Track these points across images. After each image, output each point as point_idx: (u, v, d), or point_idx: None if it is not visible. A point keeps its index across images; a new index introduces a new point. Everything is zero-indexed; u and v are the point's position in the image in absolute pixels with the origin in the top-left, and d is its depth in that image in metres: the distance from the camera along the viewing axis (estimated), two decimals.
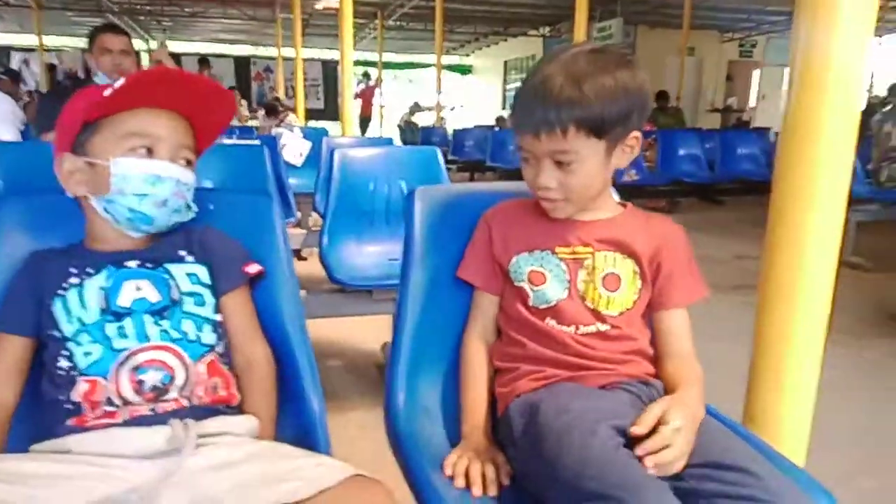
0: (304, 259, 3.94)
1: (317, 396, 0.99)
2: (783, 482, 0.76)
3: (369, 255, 2.24)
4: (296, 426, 1.00)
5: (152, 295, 0.93)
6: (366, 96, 12.31)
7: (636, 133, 0.94)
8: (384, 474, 0.91)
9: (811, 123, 0.94)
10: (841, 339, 2.73)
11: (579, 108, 0.87)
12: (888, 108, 3.05)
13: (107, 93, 0.90)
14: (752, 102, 13.33)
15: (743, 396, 1.09)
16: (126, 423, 0.85)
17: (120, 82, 0.92)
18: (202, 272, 0.98)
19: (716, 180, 6.30)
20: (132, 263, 0.95)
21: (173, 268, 0.96)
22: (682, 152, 6.24)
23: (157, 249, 0.98)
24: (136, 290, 0.93)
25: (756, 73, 13.40)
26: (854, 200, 4.28)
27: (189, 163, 0.97)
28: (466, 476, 0.87)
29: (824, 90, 0.92)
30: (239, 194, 1.13)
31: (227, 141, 2.95)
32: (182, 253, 0.98)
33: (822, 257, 0.98)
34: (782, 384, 1.00)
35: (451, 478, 0.88)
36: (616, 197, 1.09)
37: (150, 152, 0.93)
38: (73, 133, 0.94)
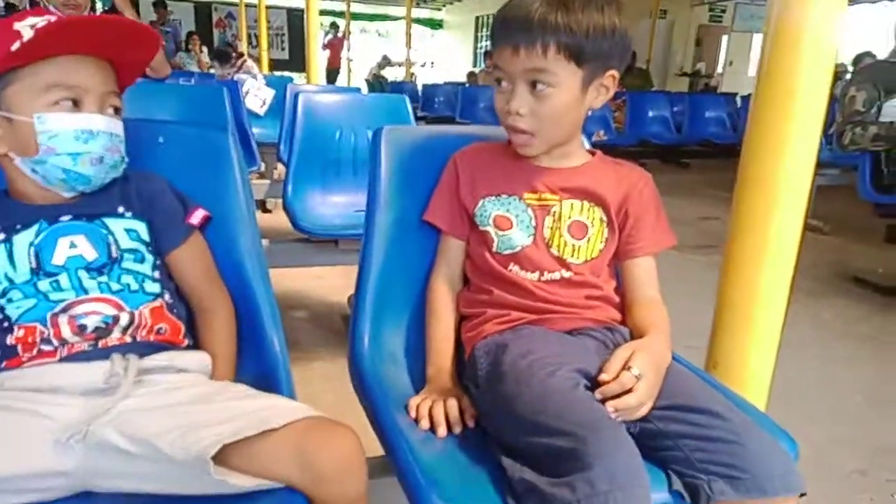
0: (269, 211, 3.85)
1: (278, 337, 0.96)
2: (748, 424, 0.77)
3: (335, 206, 2.18)
4: (257, 369, 0.97)
5: (89, 252, 0.87)
6: (334, 47, 11.94)
7: (613, 72, 0.92)
8: (348, 422, 0.89)
9: (784, 87, 0.94)
10: (799, 299, 2.78)
11: (564, 31, 0.85)
12: (852, 74, 3.09)
13: (14, 47, 0.79)
14: (719, 68, 13.40)
15: (704, 352, 1.10)
16: (63, 360, 0.81)
17: (37, 26, 0.81)
18: (141, 228, 0.92)
19: (683, 142, 6.39)
20: (66, 218, 0.88)
21: (111, 223, 0.90)
22: (651, 114, 6.29)
23: (93, 203, 0.90)
24: (71, 246, 0.86)
25: (724, 39, 13.44)
26: (815, 165, 4.40)
27: (117, 110, 0.89)
28: (431, 418, 0.86)
29: (798, 54, 0.92)
30: (192, 126, 1.06)
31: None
32: (120, 209, 0.91)
33: (793, 205, 0.98)
34: (747, 331, 1.01)
35: (416, 420, 0.87)
36: (587, 145, 1.07)
37: (75, 104, 0.84)
38: None
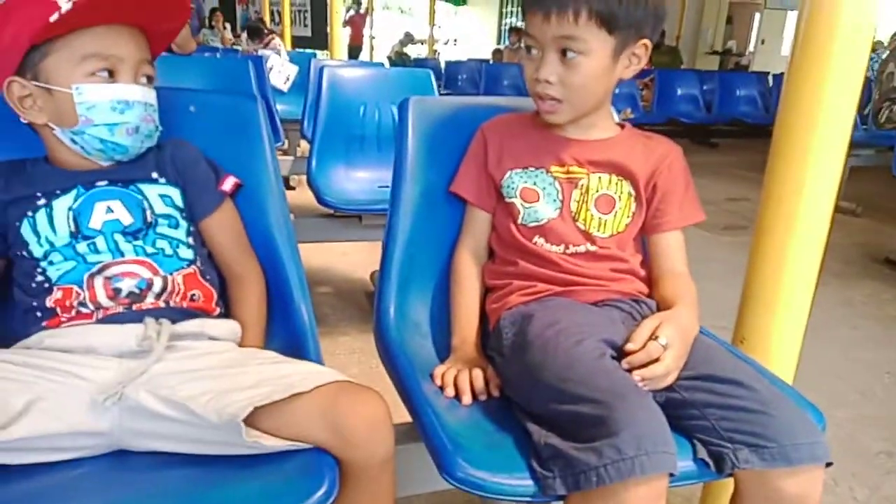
0: (293, 188, 3.88)
1: (306, 305, 0.97)
2: (775, 394, 0.76)
3: (359, 181, 2.19)
4: (286, 337, 0.98)
5: (125, 217, 0.89)
6: (355, 24, 11.86)
7: (646, 41, 0.91)
8: None
9: (818, 65, 0.91)
10: (829, 281, 2.75)
11: None
12: (890, 51, 2.98)
13: (53, 18, 0.79)
14: (751, 47, 13.05)
15: (731, 332, 1.09)
16: (99, 322, 0.83)
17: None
18: (175, 194, 0.94)
19: (712, 121, 6.25)
20: (102, 183, 0.89)
21: (146, 188, 0.92)
22: (679, 92, 6.17)
23: (128, 170, 0.92)
24: (108, 211, 0.88)
25: (757, 17, 13.07)
26: (848, 145, 4.29)
27: (150, 79, 0.90)
28: (456, 386, 0.87)
29: (834, 32, 0.90)
30: (221, 95, 1.07)
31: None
32: (154, 175, 0.93)
33: (825, 180, 0.96)
34: (776, 307, 1.00)
35: (441, 388, 0.88)
36: (616, 117, 1.05)
37: (111, 74, 0.85)
38: (17, 54, 0.84)
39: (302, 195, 2.74)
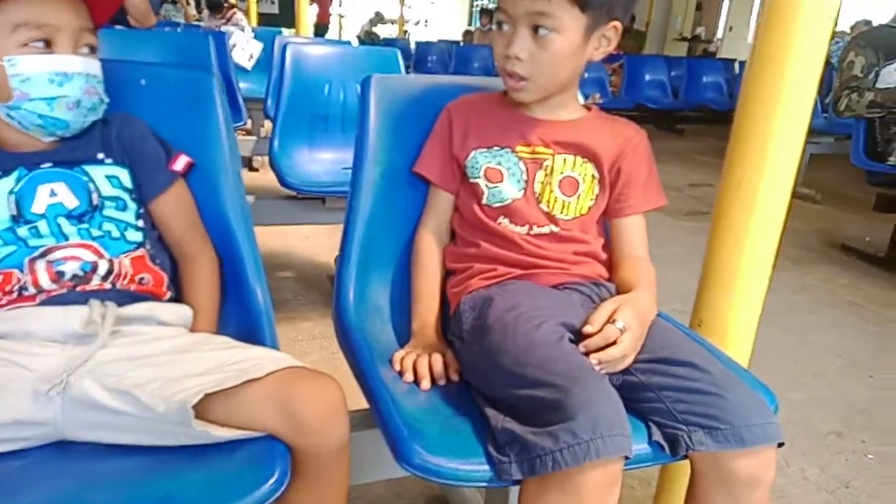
0: (256, 170, 3.80)
1: (261, 288, 0.95)
2: (729, 376, 0.77)
3: (323, 163, 2.14)
4: (240, 322, 0.96)
5: (69, 200, 0.85)
6: (322, 2, 11.64)
7: (616, 23, 0.90)
8: None
9: (779, 53, 0.92)
10: (786, 266, 2.82)
11: None
12: (851, 38, 3.04)
13: None
14: (719, 33, 13.21)
15: (689, 317, 1.10)
16: (42, 304, 0.80)
17: None
18: (123, 175, 0.90)
19: (679, 107, 6.32)
20: (46, 165, 0.85)
21: (92, 170, 0.87)
22: (647, 78, 6.21)
23: (73, 149, 0.87)
24: (52, 194, 0.84)
25: (725, 4, 13.22)
26: (808, 132, 4.39)
27: (92, 49, 0.85)
28: (415, 371, 0.86)
29: (795, 19, 0.90)
30: (174, 69, 1.02)
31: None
32: (100, 155, 0.89)
33: (784, 165, 0.97)
34: (733, 290, 1.01)
35: (401, 373, 0.86)
36: (581, 100, 1.05)
37: (48, 45, 0.80)
38: None
39: (265, 177, 2.69)
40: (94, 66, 0.85)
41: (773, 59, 0.93)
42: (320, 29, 11.47)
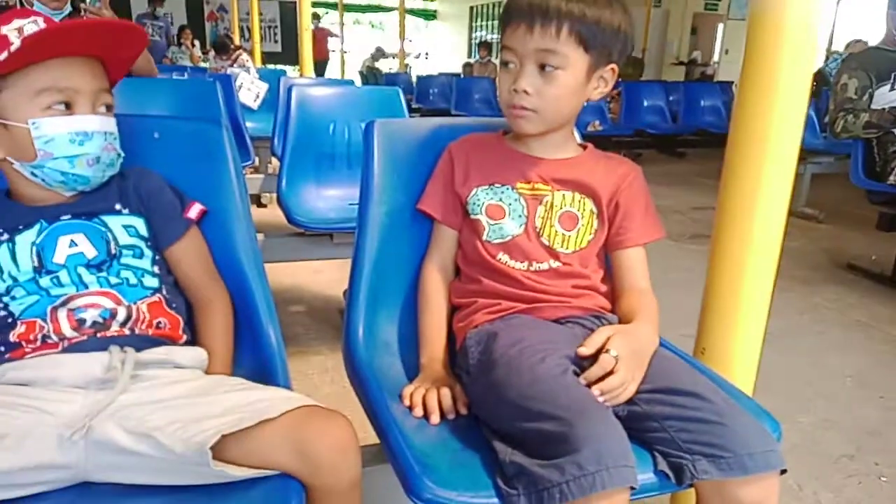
0: (264, 206, 3.86)
1: (274, 329, 0.97)
2: (733, 406, 0.79)
3: (329, 199, 2.19)
4: (254, 362, 0.98)
5: (89, 250, 0.89)
6: (316, 38, 11.84)
7: (613, 66, 0.96)
8: (345, 414, 0.89)
9: (767, 76, 0.95)
10: (794, 287, 2.83)
11: (578, 17, 0.89)
12: (844, 60, 3.09)
13: (2, 56, 0.80)
14: (716, 56, 13.37)
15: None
16: (65, 351, 0.83)
17: (24, 35, 0.82)
18: (139, 224, 0.94)
19: (678, 132, 6.37)
20: (65, 217, 0.89)
21: (110, 220, 0.92)
22: (646, 103, 6.28)
23: (91, 202, 0.92)
24: (71, 245, 0.88)
25: (720, 28, 13.41)
26: (809, 153, 4.43)
27: (109, 108, 0.91)
28: (424, 405, 0.88)
29: (780, 43, 0.93)
30: (186, 121, 1.07)
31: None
32: (118, 206, 0.93)
33: (777, 195, 0.99)
34: (734, 317, 1.03)
35: (410, 408, 0.88)
36: (578, 139, 1.09)
37: (68, 106, 0.85)
38: None
39: (273, 213, 2.74)
40: (111, 125, 0.90)
41: (759, 90, 0.96)
42: (318, 66, 11.65)
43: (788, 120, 0.96)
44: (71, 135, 0.85)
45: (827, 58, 7.18)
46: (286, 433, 0.72)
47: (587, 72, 0.93)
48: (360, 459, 0.74)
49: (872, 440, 1.70)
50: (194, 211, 0.98)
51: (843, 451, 1.65)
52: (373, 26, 18.90)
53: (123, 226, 0.92)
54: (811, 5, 0.93)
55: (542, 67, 0.91)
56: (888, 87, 2.69)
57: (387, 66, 11.64)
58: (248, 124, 3.30)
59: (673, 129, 6.35)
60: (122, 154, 0.93)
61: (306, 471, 0.71)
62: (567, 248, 0.99)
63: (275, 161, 3.38)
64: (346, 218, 1.91)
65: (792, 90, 0.95)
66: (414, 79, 8.71)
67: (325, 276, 2.80)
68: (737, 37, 13.17)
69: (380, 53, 11.39)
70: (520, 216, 1.00)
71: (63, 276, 0.87)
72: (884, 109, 2.67)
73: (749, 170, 0.99)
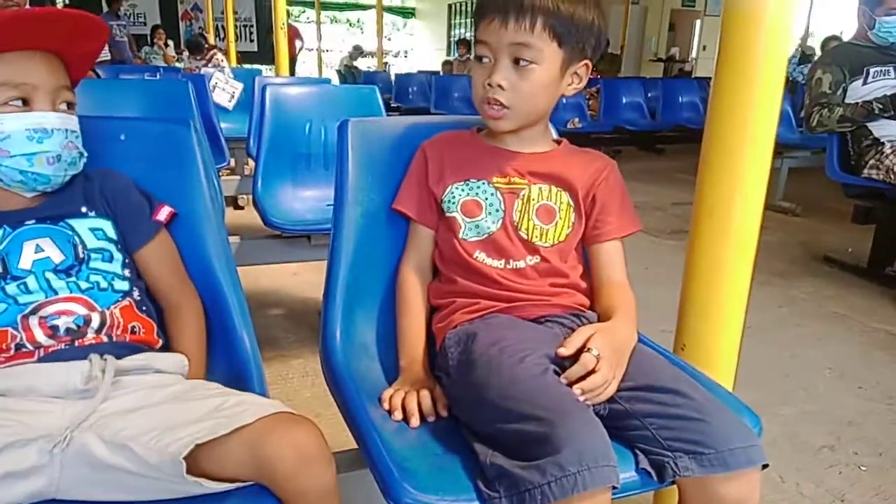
0: (242, 208, 3.81)
1: (248, 333, 0.95)
2: (713, 403, 0.78)
3: (306, 200, 2.16)
4: (228, 367, 0.96)
5: (56, 255, 0.86)
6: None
7: (587, 62, 0.96)
8: (325, 418, 0.87)
9: (741, 70, 0.95)
10: (772, 280, 2.85)
11: (553, 11, 0.89)
12: (818, 56, 3.14)
13: None
14: (693, 53, 13.50)
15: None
16: (41, 360, 0.80)
17: None
18: (107, 227, 0.91)
19: (657, 128, 6.41)
20: (30, 222, 0.86)
21: (76, 223, 0.89)
22: (625, 100, 6.31)
23: (56, 205, 0.89)
24: (37, 250, 0.85)
25: (698, 24, 13.54)
26: (786, 147, 4.49)
27: (70, 105, 0.88)
28: (404, 409, 0.86)
29: (754, 37, 0.93)
30: (153, 122, 1.04)
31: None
32: (83, 209, 0.90)
33: (752, 191, 0.99)
34: (712, 313, 1.03)
35: (390, 412, 0.87)
36: (554, 134, 1.08)
37: (25, 103, 0.82)
38: None
39: (250, 215, 2.69)
40: (72, 123, 0.87)
41: (734, 85, 0.95)
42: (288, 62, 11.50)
43: (763, 113, 0.96)
44: (28, 132, 0.82)
45: (806, 58, 7.26)
46: (247, 444, 0.69)
47: (561, 67, 0.93)
48: (330, 467, 0.71)
49: (852, 430, 1.72)
50: (163, 213, 0.95)
51: (823, 442, 1.66)
52: (350, 24, 18.82)
53: (90, 229, 0.90)
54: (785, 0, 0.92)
55: (517, 62, 0.91)
56: (861, 81, 2.72)
57: (365, 64, 11.60)
58: (224, 125, 3.26)
59: (651, 126, 6.39)
60: (86, 154, 0.90)
61: (269, 481, 0.69)
62: (546, 241, 0.99)
63: (251, 162, 3.34)
64: (323, 219, 1.88)
65: (766, 84, 0.95)
66: (393, 77, 8.67)
67: (304, 278, 2.77)
68: (714, 33, 13.14)
69: (358, 52, 11.33)
70: (497, 210, 0.99)
71: (31, 282, 0.84)
72: (857, 103, 2.70)
73: (725, 164, 0.98)
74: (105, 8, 8.14)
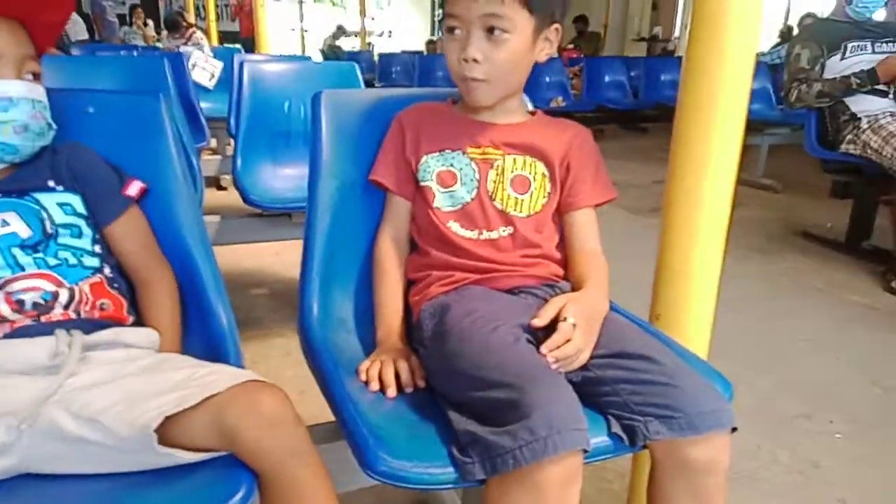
0: (224, 188, 3.78)
1: (224, 309, 0.94)
2: (683, 368, 0.79)
3: (287, 178, 2.14)
4: (204, 344, 0.95)
5: (22, 230, 0.84)
6: (243, 16, 11.31)
7: (557, 26, 0.96)
8: (308, 396, 0.87)
9: (713, 44, 0.95)
10: (751, 255, 2.89)
11: None
12: (796, 33, 3.15)
13: None
14: (676, 32, 13.47)
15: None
16: (7, 337, 0.79)
17: None
18: (76, 202, 0.90)
19: (639, 107, 6.42)
20: None
21: (43, 198, 0.87)
22: (607, 79, 6.31)
23: (22, 178, 0.87)
24: (3, 224, 0.83)
25: (681, 3, 13.49)
26: (766, 124, 4.51)
27: (36, 76, 0.86)
28: (381, 380, 0.86)
29: (726, 10, 0.93)
30: (121, 95, 1.02)
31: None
32: (51, 183, 0.88)
33: (724, 163, 1.00)
34: (686, 283, 1.04)
35: (367, 383, 0.87)
36: (529, 106, 1.08)
37: None
38: None
39: (233, 195, 2.67)
40: (38, 92, 0.85)
41: (705, 59, 0.95)
42: (244, 43, 11.02)
43: (735, 87, 0.96)
44: None
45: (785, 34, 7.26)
46: (215, 412, 0.68)
47: (533, 34, 0.93)
48: (298, 428, 0.70)
49: (827, 399, 1.76)
50: (134, 188, 0.94)
51: (799, 411, 1.69)
52: (333, 4, 18.50)
53: (58, 203, 0.88)
54: None
55: (490, 31, 0.90)
56: (839, 56, 2.74)
57: (349, 44, 11.44)
58: (205, 105, 3.21)
59: (634, 105, 6.41)
60: (55, 126, 0.88)
61: (238, 449, 0.68)
62: (521, 211, 0.99)
63: (233, 143, 3.30)
64: (302, 197, 1.82)
65: (738, 58, 0.95)
66: (376, 57, 8.58)
67: (286, 257, 2.76)
68: None
69: (340, 32, 11.17)
70: (472, 180, 0.99)
71: None
72: (835, 79, 2.72)
73: (697, 136, 0.99)
74: None
